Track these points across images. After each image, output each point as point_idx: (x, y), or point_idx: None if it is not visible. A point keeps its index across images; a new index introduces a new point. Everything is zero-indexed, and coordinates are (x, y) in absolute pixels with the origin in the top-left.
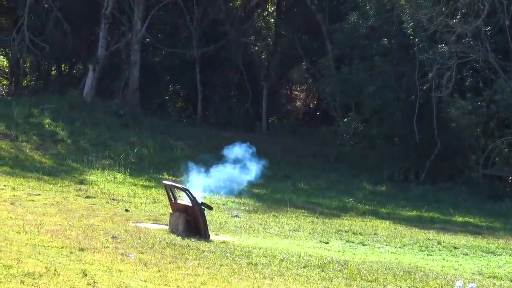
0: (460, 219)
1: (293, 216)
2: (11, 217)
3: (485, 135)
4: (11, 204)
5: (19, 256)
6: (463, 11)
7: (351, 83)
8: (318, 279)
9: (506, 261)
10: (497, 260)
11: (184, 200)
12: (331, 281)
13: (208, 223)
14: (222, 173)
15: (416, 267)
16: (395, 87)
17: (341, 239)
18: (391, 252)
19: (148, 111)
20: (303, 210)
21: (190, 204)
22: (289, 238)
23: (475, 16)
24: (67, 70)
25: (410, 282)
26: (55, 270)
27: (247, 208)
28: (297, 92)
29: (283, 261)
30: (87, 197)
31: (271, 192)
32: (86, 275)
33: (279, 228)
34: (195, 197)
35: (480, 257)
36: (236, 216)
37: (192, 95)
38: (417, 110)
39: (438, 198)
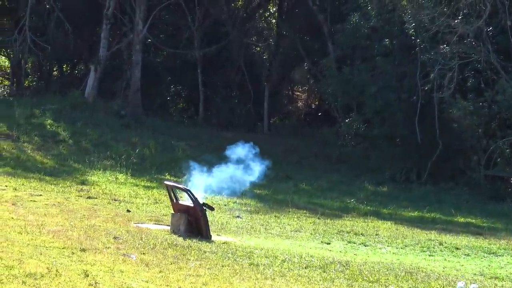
0: (461, 219)
1: (295, 216)
2: (12, 218)
3: (487, 135)
4: (12, 204)
5: (21, 257)
6: (464, 11)
7: (353, 83)
8: (320, 280)
9: (508, 262)
10: (499, 260)
11: (185, 200)
12: (333, 281)
13: (209, 223)
14: (224, 173)
15: (418, 268)
16: (397, 87)
17: (343, 240)
18: (393, 253)
19: (149, 112)
20: (304, 211)
21: (192, 205)
22: (290, 239)
23: (476, 16)
24: (68, 71)
25: (412, 283)
26: (56, 271)
27: (248, 208)
28: (298, 93)
29: (284, 261)
30: (89, 197)
31: (273, 193)
32: (87, 276)
33: (280, 228)
34: (196, 198)
35: (481, 258)
36: (238, 216)
37: (194, 95)
38: (419, 110)
39: (439, 199)
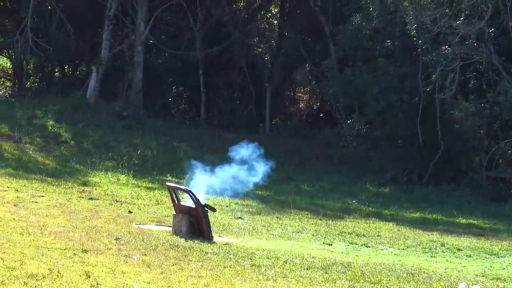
0: (463, 221)
1: (297, 217)
2: (14, 219)
3: (489, 136)
4: (14, 205)
5: (22, 258)
6: (466, 12)
7: (355, 84)
8: (322, 281)
9: (510, 263)
10: (501, 262)
11: (187, 201)
12: (335, 283)
13: (211, 224)
14: (227, 174)
15: (420, 269)
16: (399, 88)
17: (345, 241)
18: (395, 254)
19: (151, 113)
20: (306, 212)
21: (194, 206)
22: (292, 240)
23: (478, 17)
24: (70, 72)
25: (414, 284)
26: (58, 272)
27: (250, 209)
28: (300, 94)
29: (286, 262)
30: (90, 198)
31: (275, 194)
32: (89, 277)
33: (282, 229)
34: (198, 199)
35: (483, 259)
36: (240, 217)
37: (196, 96)
38: (421, 111)
39: (441, 200)
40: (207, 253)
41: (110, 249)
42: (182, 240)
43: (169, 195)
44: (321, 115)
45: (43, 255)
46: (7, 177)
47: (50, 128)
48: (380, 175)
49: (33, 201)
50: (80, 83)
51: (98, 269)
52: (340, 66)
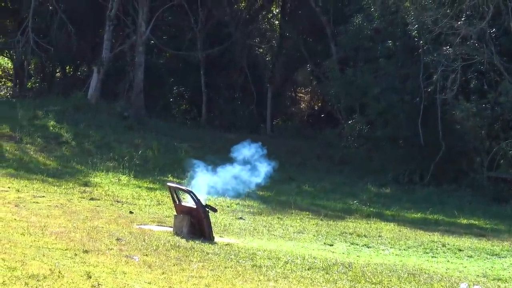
0: (464, 221)
1: (298, 218)
2: (15, 219)
3: (490, 137)
4: (15, 206)
5: (23, 258)
6: (467, 13)
7: (356, 85)
8: (323, 281)
9: (511, 263)
10: (502, 262)
11: (188, 202)
12: (336, 283)
13: (212, 225)
14: (229, 175)
15: (421, 269)
16: (400, 89)
17: (346, 241)
18: (396, 254)
19: (152, 113)
20: (307, 212)
21: (195, 206)
22: (293, 240)
23: (479, 18)
24: (71, 72)
25: (415, 285)
26: (59, 272)
27: (251, 210)
28: (301, 94)
29: (287, 263)
30: (92, 199)
31: (276, 194)
32: (90, 277)
33: (283, 230)
34: (199, 199)
35: (484, 259)
36: (241, 218)
37: (197, 97)
38: (422, 112)
39: (442, 200)
40: (208, 253)
41: (111, 249)
42: (183, 240)
43: (170, 195)
44: (322, 115)
45: (44, 255)
46: (8, 177)
47: (51, 128)
48: (381, 175)
49: (34, 202)
50: (81, 84)
51: (99, 269)
52: (341, 67)
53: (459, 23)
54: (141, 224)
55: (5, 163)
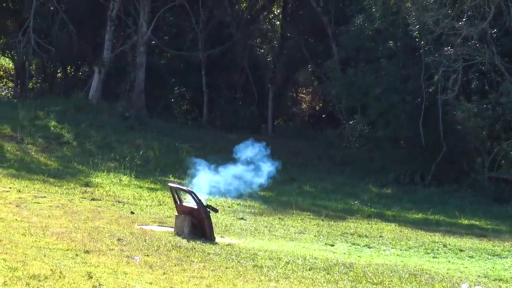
0: (465, 221)
1: (299, 218)
2: (16, 220)
3: (491, 137)
4: (16, 206)
5: (25, 259)
6: (469, 13)
7: (357, 85)
8: (324, 282)
9: None
10: (503, 262)
11: (189, 202)
12: (337, 283)
13: (213, 225)
14: (231, 175)
15: (422, 270)
16: (401, 89)
17: (347, 242)
18: (397, 255)
19: (153, 114)
20: (308, 213)
21: (196, 207)
22: (294, 241)
23: (481, 18)
24: (72, 73)
25: (416, 285)
26: (60, 273)
27: (252, 210)
28: (303, 95)
29: (288, 263)
30: (93, 199)
31: (277, 195)
32: (91, 278)
33: (284, 230)
34: (200, 200)
35: (485, 260)
36: (242, 218)
37: (198, 97)
38: (423, 112)
39: (443, 201)
40: (209, 253)
41: (112, 249)
42: (184, 241)
43: (171, 196)
44: (324, 115)
45: (45, 255)
46: (9, 177)
47: (52, 128)
48: (383, 175)
49: (35, 202)
50: (83, 84)
51: (100, 269)
52: (342, 67)
53: (460, 23)
54: (142, 225)
55: (6, 164)
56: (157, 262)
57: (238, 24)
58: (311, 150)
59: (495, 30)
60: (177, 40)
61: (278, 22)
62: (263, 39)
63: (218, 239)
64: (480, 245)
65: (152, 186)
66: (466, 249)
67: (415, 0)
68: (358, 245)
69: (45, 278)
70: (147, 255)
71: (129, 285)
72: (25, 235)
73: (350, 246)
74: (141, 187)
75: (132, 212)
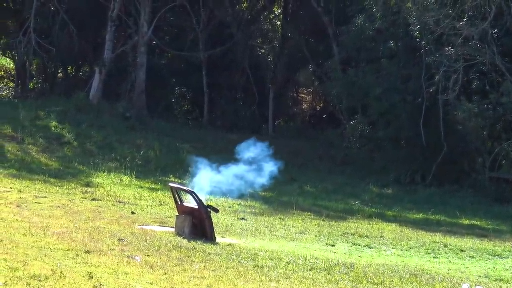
0: (466, 221)
1: (299, 218)
2: (17, 220)
3: (492, 137)
4: (17, 206)
5: (25, 259)
6: (469, 13)
7: (358, 85)
8: (324, 282)
9: None
10: (504, 262)
11: (190, 202)
12: (337, 283)
13: (214, 225)
14: (232, 175)
15: (422, 270)
16: (402, 89)
17: (347, 242)
18: (397, 255)
19: (154, 114)
20: (309, 213)
21: (196, 207)
22: (295, 241)
23: (481, 18)
24: (73, 73)
25: (416, 285)
26: (61, 273)
27: (253, 210)
28: (303, 95)
29: (289, 263)
30: (93, 199)
31: (278, 195)
32: (92, 278)
33: (285, 230)
34: (201, 200)
35: (486, 260)
36: (242, 218)
37: (199, 97)
38: (424, 112)
39: (444, 201)
40: (209, 254)
41: (113, 249)
42: (185, 241)
43: (171, 196)
44: (324, 116)
45: (45, 255)
46: (10, 178)
47: (53, 129)
48: (383, 176)
49: (36, 202)
50: (83, 84)
51: (100, 269)
52: (343, 67)
53: (461, 23)
54: (143, 225)
55: (7, 164)
56: (157, 262)
57: (239, 24)
58: (311, 150)
59: (495, 30)
60: (178, 40)
61: (278, 22)
62: (263, 39)
63: (218, 239)
64: (481, 245)
65: (153, 186)
66: (467, 249)
67: (416, 0)
68: (359, 245)
69: (46, 278)
70: (148, 255)
71: (129, 285)
72: (26, 235)
73: (351, 246)
74: (141, 187)
75: (132, 212)
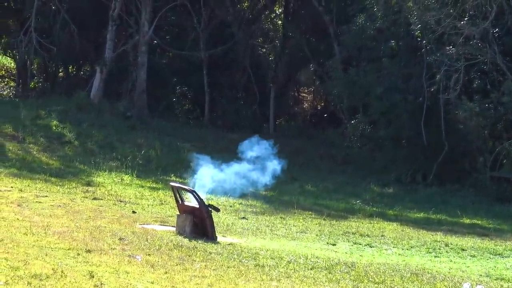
0: (467, 221)
1: (300, 218)
2: (18, 219)
3: (493, 137)
4: (18, 205)
5: (26, 258)
6: (470, 13)
7: (359, 85)
8: (325, 281)
9: None
10: (505, 262)
11: (191, 202)
12: (338, 283)
13: (215, 224)
14: (235, 174)
15: (424, 269)
16: (403, 89)
17: (348, 241)
18: (399, 254)
19: (155, 113)
20: (310, 212)
21: (197, 206)
22: (296, 240)
23: (482, 18)
24: (74, 72)
25: (418, 284)
26: (62, 272)
27: (254, 210)
28: (304, 94)
29: (290, 263)
30: (94, 198)
31: (279, 194)
32: (93, 277)
33: (286, 230)
34: (202, 199)
35: (487, 259)
36: (243, 218)
37: (199, 97)
38: (425, 112)
39: (445, 200)
40: (210, 253)
41: (114, 249)
42: (186, 240)
43: (172, 195)
44: (325, 115)
45: (46, 255)
46: (11, 177)
47: (54, 128)
48: (384, 175)
49: (37, 201)
50: (84, 83)
51: (101, 269)
52: (344, 66)
53: (462, 23)
54: (143, 224)
55: (8, 163)
56: (158, 261)
57: (240, 23)
58: (312, 150)
59: (497, 30)
60: (179, 40)
61: (280, 22)
62: (264, 38)
63: (219, 238)
64: (482, 245)
65: (154, 186)
66: (468, 249)
67: None
68: (360, 244)
69: (47, 277)
70: (149, 254)
71: (130, 284)
72: (27, 235)
73: (352, 246)
74: (142, 187)
75: (133, 212)
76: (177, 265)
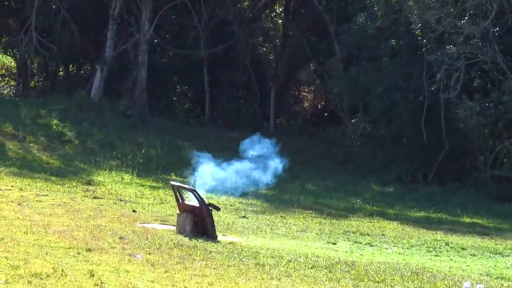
0: (468, 220)
1: (301, 217)
2: (18, 218)
3: (493, 136)
4: (18, 204)
5: (27, 257)
6: (471, 12)
7: (359, 83)
8: (326, 280)
9: None
10: (505, 261)
11: (191, 201)
12: (339, 282)
13: (215, 223)
14: (236, 173)
15: (424, 268)
16: (403, 88)
17: (349, 240)
18: (399, 253)
19: (155, 112)
20: (310, 211)
21: (198, 205)
22: (296, 239)
23: (483, 17)
24: (74, 71)
25: (418, 283)
26: (62, 271)
27: (254, 208)
28: (305, 93)
29: (290, 261)
30: (95, 197)
31: (279, 193)
32: (93, 276)
33: (286, 229)
34: (202, 198)
35: (487, 258)
36: (244, 216)
37: (200, 95)
38: (425, 111)
39: (446, 199)
40: (211, 252)
41: (114, 248)
42: (186, 239)
43: (173, 194)
44: (326, 114)
45: (47, 254)
46: (11, 176)
47: (54, 127)
48: (385, 174)
49: (37, 200)
50: (85, 82)
51: (102, 268)
52: (344, 65)
53: (462, 22)
54: (144, 223)
55: (8, 162)
56: (159, 260)
57: (240, 22)
58: (313, 149)
59: (497, 29)
60: (179, 39)
61: (280, 21)
62: (265, 37)
63: (220, 237)
64: (482, 243)
65: (154, 185)
66: (468, 247)
67: None
68: (360, 243)
69: (47, 276)
70: (149, 253)
71: (131, 283)
72: (27, 233)
73: (352, 244)
74: (143, 186)
75: (134, 211)
76: (177, 264)
